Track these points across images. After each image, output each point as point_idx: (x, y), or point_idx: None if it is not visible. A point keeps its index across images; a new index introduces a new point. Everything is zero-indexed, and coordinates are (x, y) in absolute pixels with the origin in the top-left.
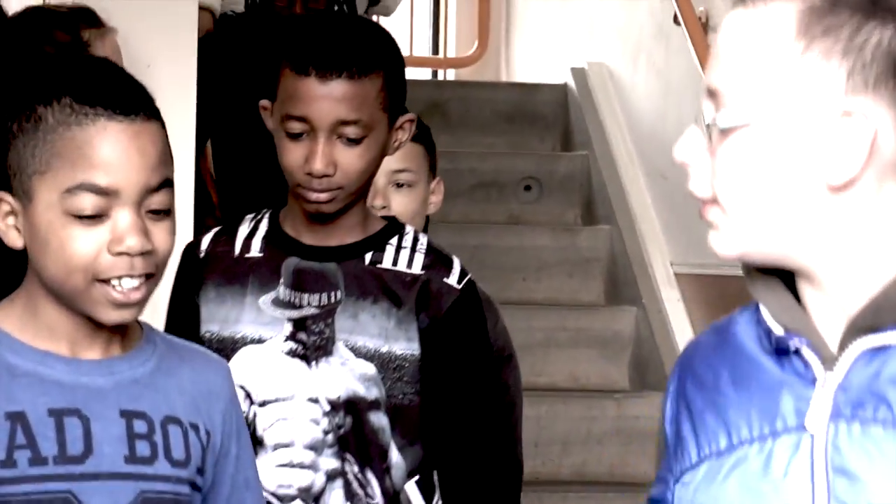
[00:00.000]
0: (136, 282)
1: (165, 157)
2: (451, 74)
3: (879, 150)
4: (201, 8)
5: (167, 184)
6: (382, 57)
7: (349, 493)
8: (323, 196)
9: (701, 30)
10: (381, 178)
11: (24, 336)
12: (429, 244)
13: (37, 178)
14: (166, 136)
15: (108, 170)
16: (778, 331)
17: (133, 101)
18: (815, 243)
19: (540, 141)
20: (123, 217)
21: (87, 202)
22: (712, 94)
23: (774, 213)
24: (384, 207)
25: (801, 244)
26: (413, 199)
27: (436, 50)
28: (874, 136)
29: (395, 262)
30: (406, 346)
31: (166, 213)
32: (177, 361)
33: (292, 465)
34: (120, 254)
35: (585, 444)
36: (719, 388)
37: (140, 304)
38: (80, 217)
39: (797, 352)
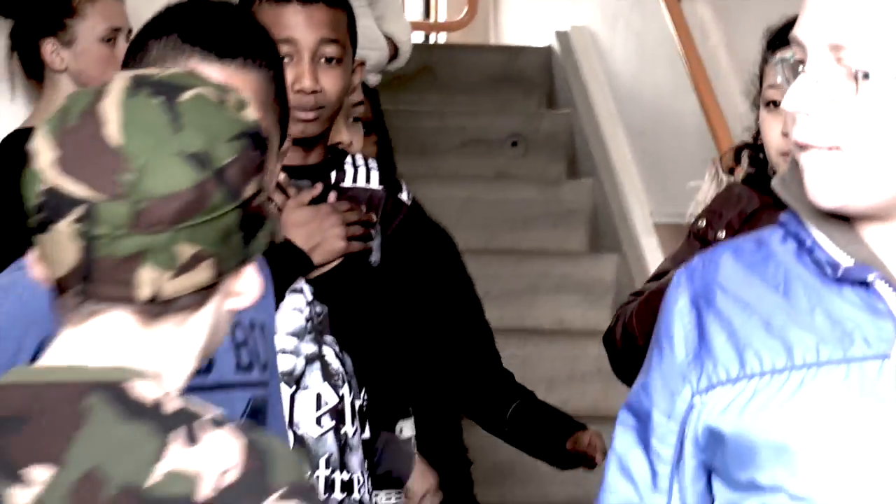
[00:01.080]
0: None
1: (258, 105)
2: (441, 38)
3: None
4: None
5: None
6: (346, 1)
7: (326, 373)
8: (311, 115)
9: None
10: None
11: None
12: (378, 164)
13: None
14: (268, 87)
15: None
16: (846, 262)
17: (231, 47)
18: None
19: (525, 100)
20: None
21: None
22: (836, 48)
23: None
24: (350, 144)
25: None
26: (361, 133)
27: (427, 14)
28: None
29: (355, 180)
30: (375, 254)
31: None
32: None
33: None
34: None
35: (569, 383)
36: (771, 309)
37: None
38: None
39: (864, 283)
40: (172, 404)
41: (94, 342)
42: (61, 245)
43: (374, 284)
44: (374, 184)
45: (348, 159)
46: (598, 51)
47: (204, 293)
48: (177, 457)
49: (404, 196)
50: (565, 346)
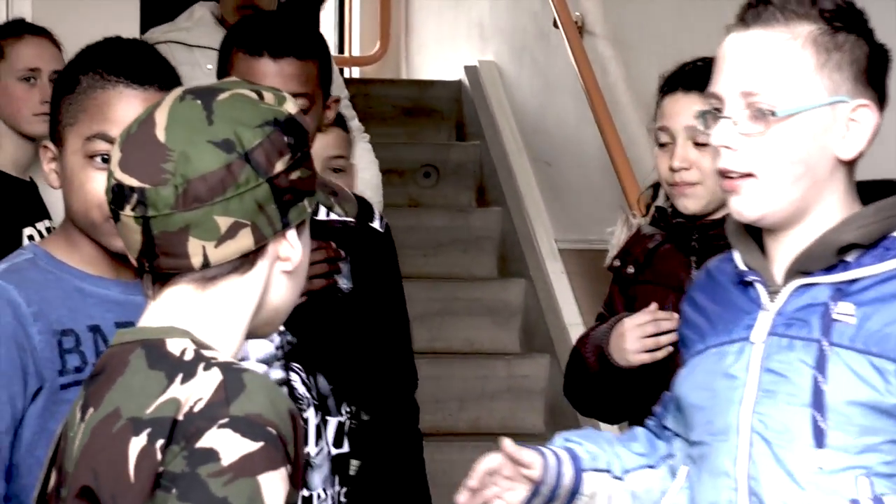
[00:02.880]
0: None
1: None
2: (355, 72)
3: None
4: None
5: None
6: (319, 47)
7: (292, 397)
8: None
9: (576, 32)
10: (318, 164)
11: (75, 265)
12: (354, 193)
13: (68, 128)
14: None
15: (120, 125)
16: (742, 268)
17: (149, 75)
18: (807, 205)
19: (437, 132)
20: None
21: (101, 146)
22: (748, 94)
23: (799, 181)
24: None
25: (802, 206)
26: (346, 182)
27: (341, 49)
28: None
29: (328, 213)
30: (345, 282)
31: None
32: None
33: None
34: None
35: (480, 401)
36: (707, 310)
37: None
38: (95, 159)
39: (753, 284)
40: (191, 353)
41: (165, 310)
42: (128, 229)
43: (342, 313)
44: (349, 215)
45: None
46: (505, 84)
47: (250, 258)
48: (174, 390)
49: (376, 224)
50: (475, 366)
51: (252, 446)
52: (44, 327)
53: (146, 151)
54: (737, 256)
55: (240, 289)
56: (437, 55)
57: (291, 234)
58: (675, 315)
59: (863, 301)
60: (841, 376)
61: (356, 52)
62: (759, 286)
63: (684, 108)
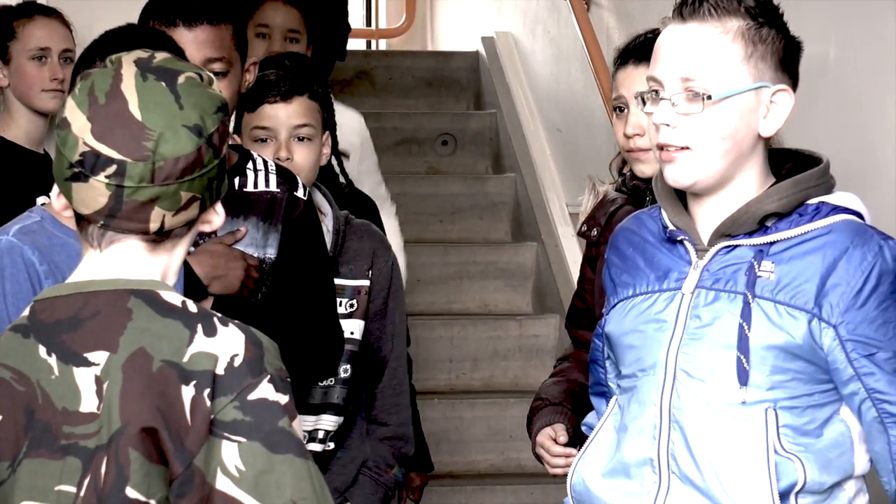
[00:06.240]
0: None
1: None
2: (382, 45)
3: None
4: None
5: None
6: (231, 10)
7: None
8: None
9: (583, 4)
10: (283, 132)
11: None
12: (276, 165)
13: None
14: None
15: None
16: (671, 227)
17: None
18: (731, 174)
19: (455, 101)
20: None
21: None
22: (686, 80)
23: (727, 154)
24: (288, 159)
25: (727, 175)
26: (312, 151)
27: (369, 22)
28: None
29: (255, 185)
30: (272, 251)
31: None
32: None
33: None
34: None
35: (493, 360)
36: (634, 259)
37: None
38: None
39: (682, 242)
40: (192, 307)
41: (117, 262)
42: (95, 192)
43: (269, 284)
44: (273, 186)
45: (250, 164)
46: (520, 55)
47: (190, 225)
48: (201, 343)
49: (300, 193)
50: (489, 327)
51: (286, 397)
52: (52, 285)
53: (124, 127)
54: (665, 216)
55: (178, 248)
56: (457, 27)
57: (218, 203)
58: (571, 453)
59: (780, 260)
60: (761, 324)
61: (383, 25)
62: (687, 244)
63: (636, 79)
